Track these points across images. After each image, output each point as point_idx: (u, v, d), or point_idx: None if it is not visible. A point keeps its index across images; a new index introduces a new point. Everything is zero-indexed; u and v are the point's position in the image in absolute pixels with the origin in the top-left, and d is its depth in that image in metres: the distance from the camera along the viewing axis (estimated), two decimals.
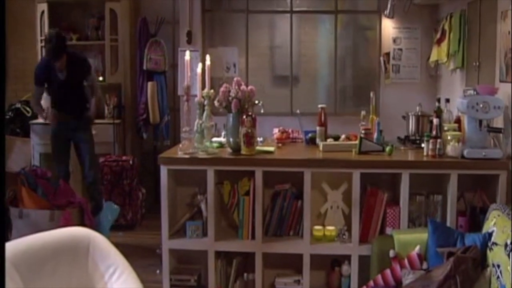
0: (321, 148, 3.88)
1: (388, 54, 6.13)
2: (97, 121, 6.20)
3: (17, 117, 6.52)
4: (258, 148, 3.84)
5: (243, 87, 3.72)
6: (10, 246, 2.62)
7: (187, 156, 3.74)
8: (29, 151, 6.27)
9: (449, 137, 3.62)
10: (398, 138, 4.30)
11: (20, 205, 5.03)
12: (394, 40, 6.11)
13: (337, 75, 6.26)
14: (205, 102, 3.74)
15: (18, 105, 6.54)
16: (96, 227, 4.80)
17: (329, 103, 6.25)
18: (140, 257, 4.99)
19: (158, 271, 4.18)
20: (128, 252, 5.03)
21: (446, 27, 5.22)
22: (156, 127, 6.49)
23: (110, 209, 5.29)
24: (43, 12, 6.16)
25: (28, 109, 6.50)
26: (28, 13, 6.50)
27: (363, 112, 4.08)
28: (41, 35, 6.14)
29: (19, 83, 6.75)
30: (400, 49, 6.11)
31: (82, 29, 6.38)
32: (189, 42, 6.07)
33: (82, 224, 4.69)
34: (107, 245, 2.86)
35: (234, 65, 6.19)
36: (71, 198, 5.10)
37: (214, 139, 4.10)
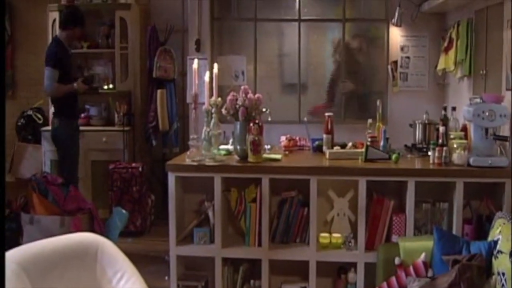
0: (327, 155, 3.90)
1: (395, 62, 6.14)
2: (107, 128, 6.29)
3: (28, 124, 6.60)
4: (265, 155, 3.87)
5: (250, 95, 3.76)
6: (20, 251, 2.68)
7: (194, 163, 3.78)
8: (40, 158, 6.33)
9: (455, 145, 3.63)
10: (405, 146, 4.32)
11: (31, 211, 5.09)
12: (402, 48, 6.13)
13: (345, 83, 6.28)
14: (213, 110, 3.79)
15: (30, 112, 6.62)
16: (105, 233, 4.86)
17: (337, 111, 6.28)
18: (149, 263, 5.03)
19: (166, 277, 4.21)
20: (137, 258, 5.07)
21: (454, 35, 5.24)
22: (165, 134, 6.53)
23: (119, 215, 5.32)
24: (54, 20, 6.22)
25: (39, 116, 6.58)
26: (39, 21, 6.58)
27: (369, 120, 4.11)
28: None
29: (32, 91, 6.83)
30: (408, 57, 6.13)
31: (92, 37, 6.44)
32: (197, 50, 6.12)
33: (91, 230, 4.74)
34: (115, 250, 2.91)
35: (243, 73, 6.23)
36: (81, 204, 5.15)
37: (222, 146, 4.14)
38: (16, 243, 4.29)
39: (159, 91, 6.35)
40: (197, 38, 6.11)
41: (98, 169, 6.21)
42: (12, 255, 2.63)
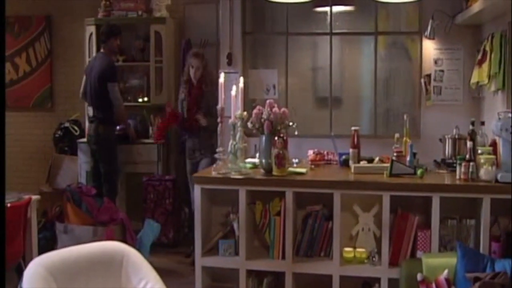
0: (352, 170, 3.90)
1: (429, 75, 6.05)
2: (141, 140, 6.39)
3: (66, 136, 6.73)
4: (290, 169, 3.89)
5: (275, 109, 3.79)
6: (49, 256, 2.80)
7: (220, 176, 3.83)
8: (76, 169, 6.46)
9: (482, 161, 3.57)
10: (435, 161, 4.26)
11: (65, 220, 5.23)
12: (436, 61, 6.03)
13: (377, 97, 6.22)
14: (238, 124, 3.83)
15: (67, 125, 6.75)
16: (137, 244, 4.95)
17: (369, 125, 6.23)
18: (179, 275, 5.11)
19: None
20: (169, 269, 5.18)
21: (487, 48, 5.15)
22: None
23: (151, 227, 5.41)
24: (91, 34, 6.38)
25: (76, 128, 6.72)
26: (77, 35, 6.76)
27: (396, 135, 4.07)
28: (89, 57, 6.37)
29: (68, 103, 7.02)
30: (442, 71, 6.02)
31: (128, 50, 6.57)
32: (229, 64, 6.15)
33: (123, 240, 4.81)
34: (140, 259, 3.00)
35: (274, 87, 6.24)
36: (114, 215, 5.26)
37: (249, 159, 4.18)
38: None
39: None
40: (229, 52, 6.15)
41: (133, 181, 6.33)
42: (41, 260, 2.76)
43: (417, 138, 5.86)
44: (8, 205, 4.14)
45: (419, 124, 6.03)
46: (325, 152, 4.40)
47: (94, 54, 6.27)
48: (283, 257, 3.77)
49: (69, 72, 7.01)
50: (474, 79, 5.49)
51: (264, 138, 3.82)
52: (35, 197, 4.54)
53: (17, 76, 7.21)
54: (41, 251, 4.39)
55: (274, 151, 3.73)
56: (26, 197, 4.42)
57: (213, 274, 4.06)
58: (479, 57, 5.38)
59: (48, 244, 5.16)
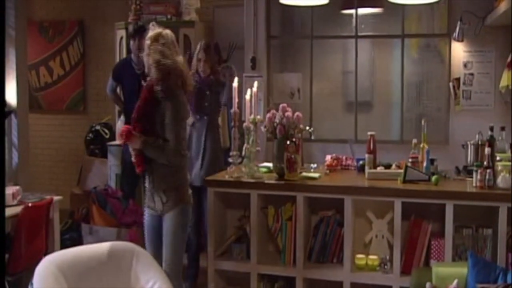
0: (366, 175, 3.83)
1: (458, 79, 5.88)
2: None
3: (96, 139, 6.83)
4: (303, 174, 3.86)
5: (288, 113, 3.77)
6: (60, 254, 2.91)
7: (231, 179, 3.83)
8: (106, 172, 6.54)
9: (499, 168, 3.46)
10: (456, 168, 4.15)
11: (91, 222, 5.33)
12: (465, 65, 5.85)
13: (405, 102, 6.07)
14: (252, 128, 3.83)
15: (98, 127, 6.86)
16: None
17: (398, 130, 6.10)
18: (200, 277, 5.11)
19: None
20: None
21: None
22: (226, 151, 6.57)
23: None
24: (121, 38, 6.46)
25: (106, 131, 6.81)
26: (108, 39, 6.86)
27: (414, 140, 3.98)
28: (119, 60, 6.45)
29: (101, 106, 7.14)
30: (472, 74, 5.85)
31: None
32: (253, 68, 6.12)
33: None
34: (150, 260, 3.07)
35: (299, 91, 6.17)
36: (139, 217, 5.31)
37: (264, 164, 4.17)
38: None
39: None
40: (253, 56, 6.11)
41: None
42: (52, 258, 2.86)
43: (446, 144, 5.72)
44: (29, 204, 4.25)
45: (447, 129, 5.87)
46: (343, 157, 4.34)
47: (124, 57, 6.35)
48: (295, 262, 3.74)
49: (101, 75, 7.12)
50: (503, 83, 5.31)
51: (277, 142, 3.80)
52: (57, 197, 4.64)
53: (51, 80, 7.39)
54: None
55: (286, 156, 3.70)
56: (48, 197, 4.52)
57: (227, 277, 4.06)
58: (509, 59, 5.21)
59: (74, 244, 5.22)
